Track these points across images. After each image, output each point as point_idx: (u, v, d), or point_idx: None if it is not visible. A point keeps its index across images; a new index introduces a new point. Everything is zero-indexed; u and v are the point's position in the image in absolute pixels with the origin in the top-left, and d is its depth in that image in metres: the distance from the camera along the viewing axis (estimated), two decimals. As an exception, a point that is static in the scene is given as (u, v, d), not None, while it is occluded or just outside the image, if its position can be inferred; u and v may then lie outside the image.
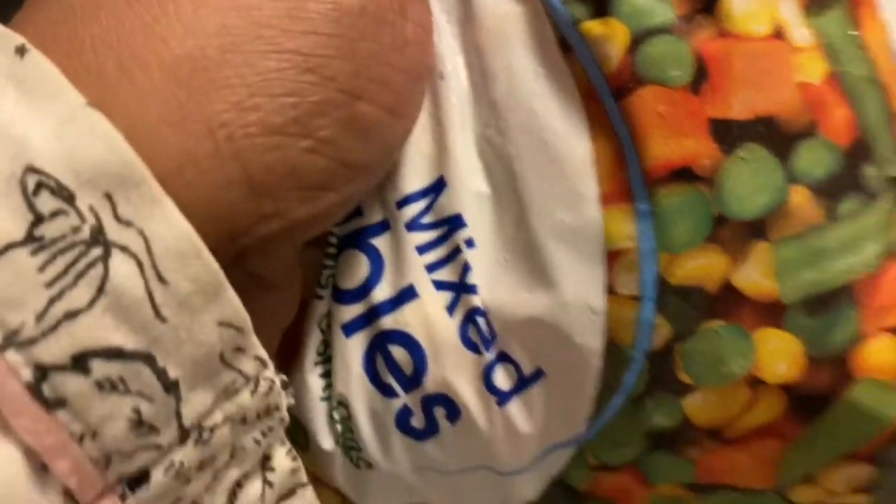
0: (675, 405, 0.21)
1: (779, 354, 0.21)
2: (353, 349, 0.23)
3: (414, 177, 0.22)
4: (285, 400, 0.19)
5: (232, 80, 0.18)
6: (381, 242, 0.23)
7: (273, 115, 0.18)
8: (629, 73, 0.21)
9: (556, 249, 0.21)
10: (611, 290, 0.21)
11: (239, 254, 0.19)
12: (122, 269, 0.16)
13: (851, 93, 0.21)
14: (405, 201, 0.22)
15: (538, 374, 0.22)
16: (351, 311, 0.23)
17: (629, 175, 0.21)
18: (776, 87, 0.20)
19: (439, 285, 0.22)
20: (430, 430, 0.22)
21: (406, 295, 0.22)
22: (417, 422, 0.22)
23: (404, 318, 0.22)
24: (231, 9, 0.18)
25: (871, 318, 0.20)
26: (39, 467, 0.15)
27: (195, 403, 0.17)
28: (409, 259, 0.22)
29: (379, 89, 0.20)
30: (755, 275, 0.20)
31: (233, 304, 0.17)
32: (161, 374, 0.16)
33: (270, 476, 0.19)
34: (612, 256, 0.21)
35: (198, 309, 0.16)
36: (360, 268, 0.22)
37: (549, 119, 0.21)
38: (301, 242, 0.20)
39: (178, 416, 0.17)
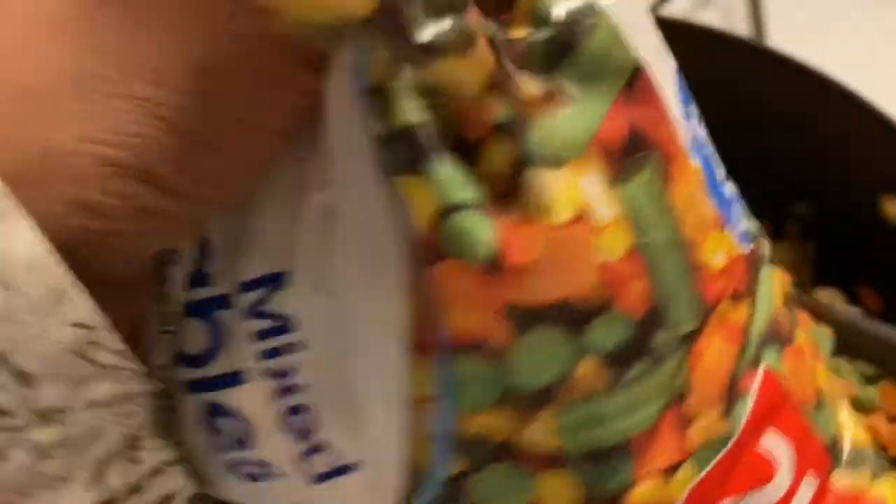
0: None
1: (557, 493, 0.22)
2: (193, 404, 0.23)
3: (261, 260, 0.22)
4: (144, 387, 0.21)
5: (79, 115, 0.19)
6: (223, 317, 0.23)
7: (115, 150, 0.19)
8: (435, 244, 0.20)
9: (368, 379, 0.22)
10: (413, 428, 0.22)
11: (86, 260, 0.19)
12: None
13: (651, 262, 0.21)
14: (247, 286, 0.22)
15: (356, 466, 0.23)
16: (191, 373, 0.23)
17: (438, 336, 0.21)
18: (575, 273, 0.20)
19: (269, 373, 0.22)
20: (264, 477, 0.24)
21: (235, 378, 0.23)
22: (251, 470, 0.24)
23: (233, 399, 0.23)
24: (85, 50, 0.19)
25: (644, 465, 0.22)
26: None
27: (50, 392, 0.19)
28: (242, 343, 0.22)
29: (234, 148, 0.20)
30: (539, 434, 0.21)
31: (84, 305, 0.19)
32: (14, 368, 0.18)
33: (136, 455, 0.21)
34: (416, 400, 0.21)
35: (49, 312, 0.18)
36: (201, 338, 0.23)
37: (374, 253, 0.21)
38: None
39: (32, 400, 0.18)
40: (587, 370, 0.21)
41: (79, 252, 0.19)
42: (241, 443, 0.23)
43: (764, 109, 0.47)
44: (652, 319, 0.21)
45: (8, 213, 0.18)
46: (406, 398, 0.21)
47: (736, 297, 0.23)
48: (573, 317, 0.20)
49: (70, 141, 0.19)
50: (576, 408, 0.21)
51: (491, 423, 0.21)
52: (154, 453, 0.21)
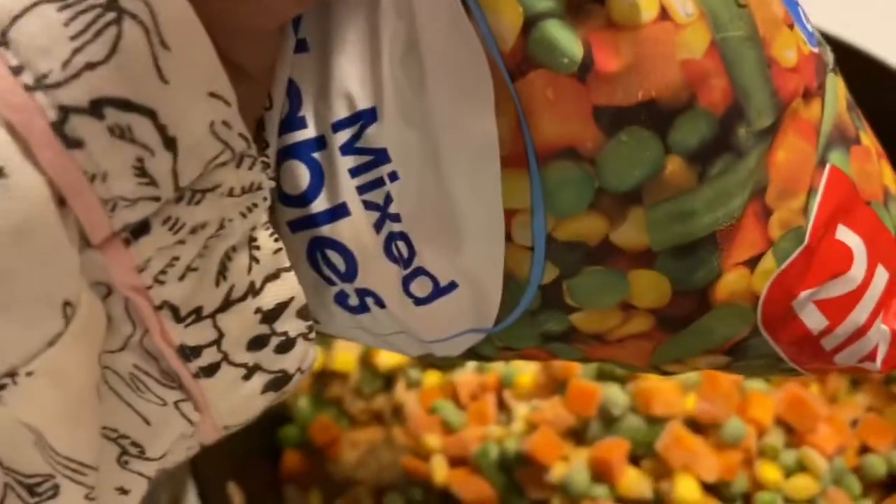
0: (563, 319, 0.24)
1: (648, 288, 0.23)
2: (297, 243, 0.25)
3: (349, 101, 0.23)
4: (266, 180, 0.21)
5: None
6: (320, 157, 0.24)
7: None
8: (522, 55, 0.21)
9: (464, 200, 0.23)
10: (509, 238, 0.23)
11: (223, 43, 0.20)
12: (132, 32, 0.18)
13: (730, 58, 0.21)
14: (339, 125, 0.23)
15: (452, 286, 0.24)
16: (294, 213, 0.24)
17: (525, 145, 0.22)
18: (660, 71, 0.21)
19: (368, 205, 0.24)
20: (362, 309, 0.25)
21: (340, 211, 0.24)
22: (352, 302, 0.25)
23: (338, 231, 0.24)
24: None
25: (730, 257, 0.23)
26: (59, 203, 0.18)
27: (189, 167, 0.19)
28: (342, 179, 0.23)
29: None
30: (630, 233, 0.22)
31: (222, 76, 0.19)
32: (162, 129, 0.19)
33: (256, 253, 0.22)
34: (510, 213, 0.23)
35: (193, 77, 0.19)
36: (302, 178, 0.24)
37: (460, 77, 0.22)
38: (275, 29, 0.22)
39: (175, 174, 0.19)
40: (674, 168, 0.22)
41: (220, 29, 0.19)
42: (347, 274, 0.24)
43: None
44: (732, 115, 0.22)
45: None
46: (502, 211, 0.23)
47: (807, 95, 0.24)
48: (659, 115, 0.21)
49: None
50: (664, 205, 0.22)
51: (584, 227, 0.22)
52: (270, 257, 0.22)
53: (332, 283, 0.25)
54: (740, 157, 0.22)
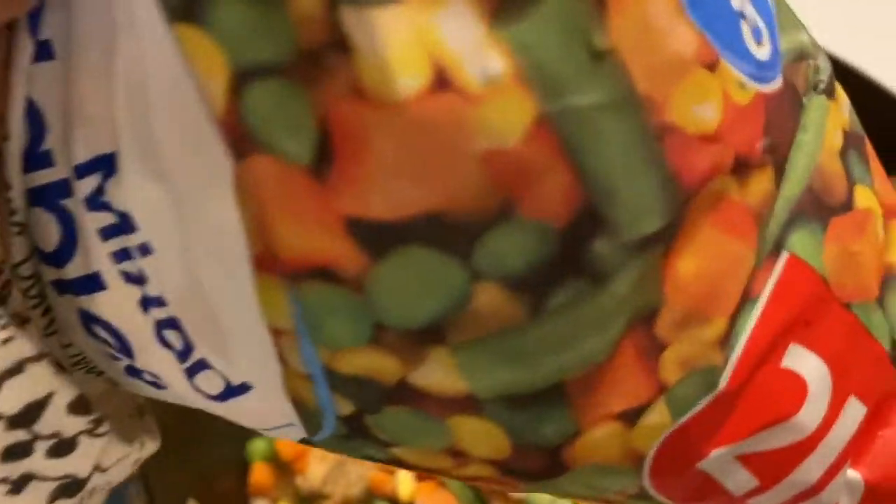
0: (382, 450, 0.18)
1: (478, 439, 0.16)
2: (67, 307, 0.19)
3: (90, 138, 0.17)
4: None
5: None
6: (69, 207, 0.18)
7: None
8: (239, 127, 0.13)
9: (221, 300, 0.16)
10: (283, 360, 0.16)
11: None
12: None
13: (575, 139, 0.13)
14: (82, 170, 0.17)
15: (245, 388, 0.18)
16: (53, 273, 0.19)
17: (277, 255, 0.15)
18: (443, 170, 0.13)
19: (128, 278, 0.17)
20: (160, 387, 0.20)
21: (94, 283, 0.18)
22: (148, 378, 0.20)
23: (98, 307, 0.18)
24: None
25: (592, 410, 0.16)
26: None
27: None
28: (93, 241, 0.17)
29: None
30: (436, 376, 0.15)
31: None
32: None
33: None
34: (276, 332, 0.16)
35: None
36: (52, 232, 0.18)
37: (190, 138, 0.15)
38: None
39: None
40: (488, 299, 0.14)
41: None
42: (123, 352, 0.19)
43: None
44: (583, 223, 0.14)
45: None
46: (265, 324, 0.16)
47: (744, 165, 0.15)
48: (453, 232, 0.13)
49: None
50: (480, 346, 0.15)
51: (369, 364, 0.15)
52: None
53: (115, 358, 0.19)
54: (602, 282, 0.14)
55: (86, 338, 0.19)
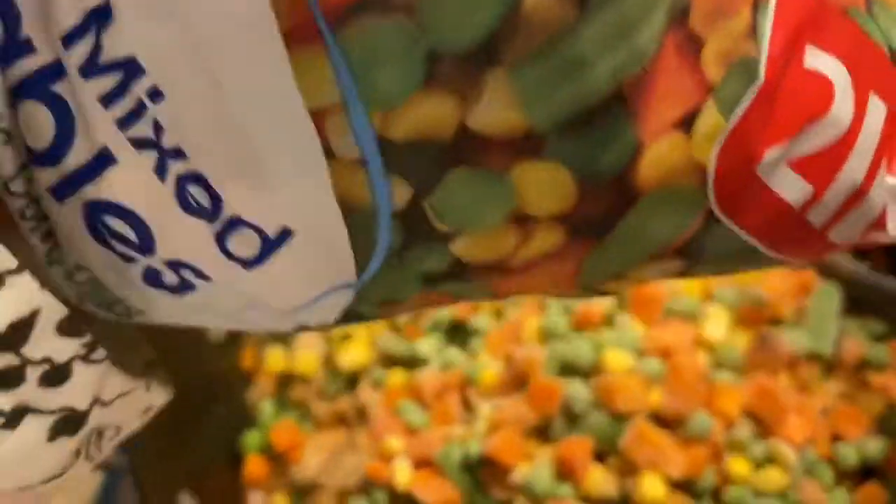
0: (441, 251, 0.17)
1: (542, 188, 0.16)
2: (70, 215, 0.18)
3: (73, 2, 0.16)
4: None
5: None
6: (63, 90, 0.17)
7: None
8: None
9: (250, 105, 0.16)
10: (330, 154, 0.16)
11: None
12: None
13: None
14: (70, 37, 0.16)
15: (285, 235, 0.17)
16: (50, 175, 0.18)
17: (309, 6, 0.14)
18: None
19: (138, 144, 0.17)
20: (185, 287, 0.19)
21: (103, 160, 0.17)
22: (169, 280, 0.19)
23: (109, 189, 0.17)
24: None
25: (651, 119, 0.16)
26: None
27: None
28: (95, 114, 0.17)
29: None
30: (494, 111, 0.15)
31: None
32: None
33: None
34: (318, 116, 0.15)
35: None
36: (45, 125, 0.17)
37: None
38: None
39: None
40: (535, 1, 0.14)
41: None
42: (143, 245, 0.18)
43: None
44: None
45: None
46: (306, 113, 0.15)
47: None
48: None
49: None
50: (536, 60, 0.15)
51: (426, 115, 0.15)
52: None
53: (130, 259, 0.18)
54: None
55: (94, 246, 0.18)
